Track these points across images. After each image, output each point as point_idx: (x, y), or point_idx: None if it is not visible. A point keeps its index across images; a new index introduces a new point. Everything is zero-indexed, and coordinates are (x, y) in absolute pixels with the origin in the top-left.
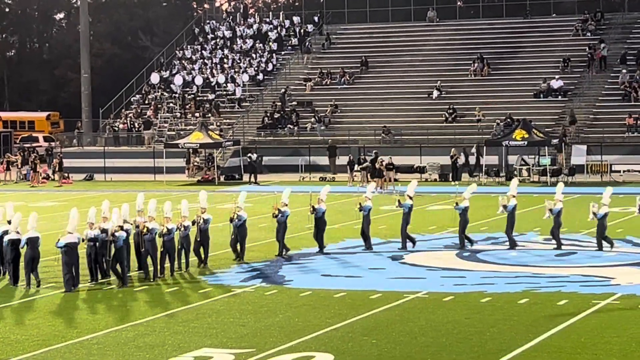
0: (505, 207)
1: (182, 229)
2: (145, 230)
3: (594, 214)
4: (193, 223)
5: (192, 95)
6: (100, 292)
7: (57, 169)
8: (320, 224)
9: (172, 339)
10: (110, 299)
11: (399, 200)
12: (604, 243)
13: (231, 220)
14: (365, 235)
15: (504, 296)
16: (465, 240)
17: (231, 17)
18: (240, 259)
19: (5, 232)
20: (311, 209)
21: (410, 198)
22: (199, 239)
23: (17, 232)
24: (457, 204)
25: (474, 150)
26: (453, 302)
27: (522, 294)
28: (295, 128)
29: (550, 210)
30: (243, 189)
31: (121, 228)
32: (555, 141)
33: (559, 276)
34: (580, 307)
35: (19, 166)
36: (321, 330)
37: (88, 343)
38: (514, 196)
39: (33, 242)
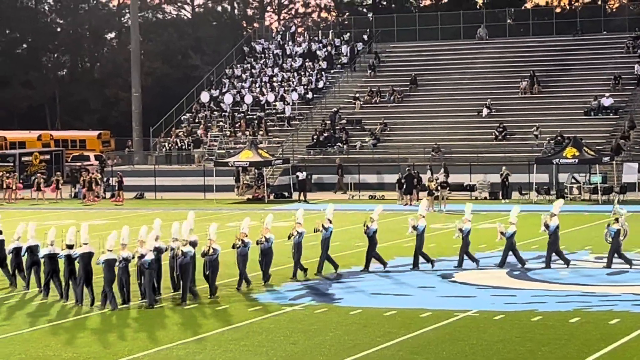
0: (547, 226)
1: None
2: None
3: (502, 233)
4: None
5: (242, 114)
6: (151, 310)
7: (117, 187)
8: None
9: (223, 357)
10: (161, 316)
11: (322, 225)
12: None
13: (257, 242)
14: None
15: (555, 315)
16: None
17: (280, 35)
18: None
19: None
20: (365, 227)
21: (330, 222)
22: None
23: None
24: (367, 227)
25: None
26: (504, 321)
27: (573, 313)
28: (345, 146)
29: (502, 233)
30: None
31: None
32: (606, 159)
33: (611, 295)
34: (632, 326)
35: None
36: (371, 349)
37: None
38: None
39: (32, 250)
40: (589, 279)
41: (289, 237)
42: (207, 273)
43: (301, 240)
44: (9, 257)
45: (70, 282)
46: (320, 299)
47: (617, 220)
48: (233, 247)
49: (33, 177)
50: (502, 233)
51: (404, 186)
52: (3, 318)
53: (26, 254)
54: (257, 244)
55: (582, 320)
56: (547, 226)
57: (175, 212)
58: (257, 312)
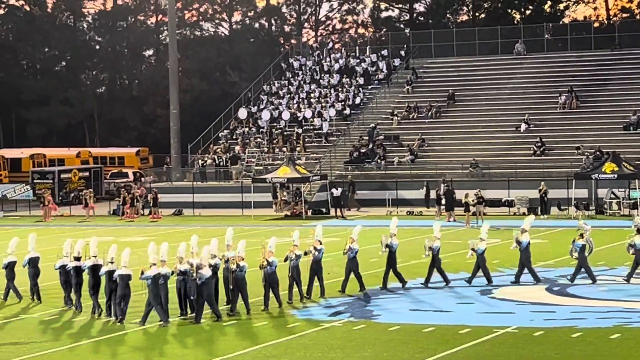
0: (519, 242)
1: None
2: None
3: (473, 249)
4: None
5: (280, 130)
6: (189, 327)
7: (152, 203)
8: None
9: None
10: (199, 333)
11: (314, 247)
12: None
13: (261, 267)
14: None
15: (595, 331)
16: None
17: (318, 52)
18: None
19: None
20: (347, 248)
21: (321, 243)
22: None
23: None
24: (349, 247)
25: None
26: (543, 337)
27: (613, 329)
28: (383, 162)
29: (474, 249)
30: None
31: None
32: None
33: None
34: None
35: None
36: None
37: None
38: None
39: (32, 262)
40: (629, 295)
41: (285, 260)
42: (191, 297)
43: (298, 262)
44: (4, 272)
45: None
46: (358, 315)
47: (582, 235)
48: (261, 267)
49: (72, 194)
50: (473, 250)
51: (444, 202)
52: (41, 335)
53: (27, 265)
54: (260, 268)
55: (622, 336)
56: (519, 242)
57: (213, 229)
58: (295, 328)
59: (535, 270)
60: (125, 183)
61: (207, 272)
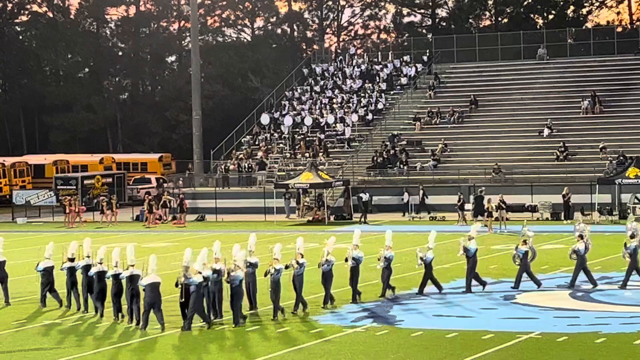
0: (467, 250)
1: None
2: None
3: (422, 258)
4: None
5: (302, 136)
6: (212, 332)
7: (179, 210)
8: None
9: None
10: (222, 338)
11: (296, 260)
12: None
13: (228, 281)
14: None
15: (619, 337)
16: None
17: (340, 57)
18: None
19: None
20: (324, 261)
21: (302, 256)
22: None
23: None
24: (327, 260)
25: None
26: (567, 343)
27: (638, 335)
28: (405, 167)
29: (422, 258)
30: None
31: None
32: None
33: None
34: None
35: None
36: None
37: None
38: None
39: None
40: None
41: (266, 275)
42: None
43: (279, 277)
44: None
45: (72, 292)
46: (381, 321)
47: (525, 242)
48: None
49: (95, 200)
50: (421, 259)
51: (474, 207)
52: (57, 341)
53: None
54: (227, 282)
55: None
56: (466, 250)
57: (236, 234)
58: (318, 334)
59: (557, 276)
60: (164, 189)
61: (198, 278)
